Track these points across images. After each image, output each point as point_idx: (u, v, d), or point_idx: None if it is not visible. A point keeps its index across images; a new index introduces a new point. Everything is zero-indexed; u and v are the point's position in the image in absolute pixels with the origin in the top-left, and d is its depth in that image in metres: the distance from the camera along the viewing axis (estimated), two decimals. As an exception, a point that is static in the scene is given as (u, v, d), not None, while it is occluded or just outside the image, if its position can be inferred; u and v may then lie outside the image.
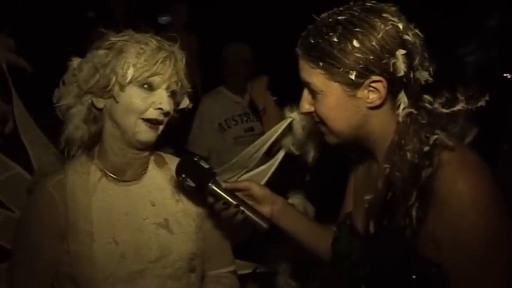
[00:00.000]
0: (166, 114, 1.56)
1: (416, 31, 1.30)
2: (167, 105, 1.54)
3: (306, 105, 1.38)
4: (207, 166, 1.60)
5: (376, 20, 1.26)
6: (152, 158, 1.70)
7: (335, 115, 1.32)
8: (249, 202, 1.61)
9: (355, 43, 1.25)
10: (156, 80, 1.53)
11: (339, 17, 1.29)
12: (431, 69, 1.30)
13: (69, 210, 1.56)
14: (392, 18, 1.27)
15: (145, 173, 1.67)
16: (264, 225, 1.57)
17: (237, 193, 1.62)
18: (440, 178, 1.23)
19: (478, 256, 1.21)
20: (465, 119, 1.37)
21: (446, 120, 1.34)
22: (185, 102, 1.66)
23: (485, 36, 3.73)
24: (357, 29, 1.25)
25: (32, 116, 1.80)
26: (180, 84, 1.58)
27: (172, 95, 1.58)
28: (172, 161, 1.73)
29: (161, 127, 1.58)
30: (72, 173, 1.61)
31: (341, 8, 1.32)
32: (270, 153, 1.96)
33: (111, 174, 1.62)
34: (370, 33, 1.25)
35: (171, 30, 4.32)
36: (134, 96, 1.53)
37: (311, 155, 1.78)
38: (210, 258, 1.75)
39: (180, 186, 1.69)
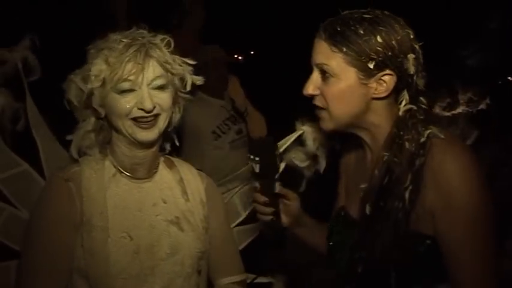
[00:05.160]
0: (150, 112, 1.50)
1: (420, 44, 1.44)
2: (148, 104, 1.48)
3: (311, 87, 1.45)
4: (279, 164, 1.58)
5: (396, 24, 1.40)
6: (162, 159, 1.69)
7: (342, 98, 1.41)
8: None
9: (379, 38, 1.37)
10: (129, 82, 1.49)
11: (364, 15, 1.41)
12: (425, 80, 1.45)
13: (84, 204, 1.53)
14: (407, 27, 1.42)
15: (156, 171, 1.65)
16: (276, 241, 1.60)
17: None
18: (432, 157, 1.36)
19: (467, 216, 1.33)
20: (466, 121, 1.54)
21: (446, 122, 1.50)
22: (194, 80, 1.62)
23: (485, 39, 3.73)
24: (380, 28, 1.38)
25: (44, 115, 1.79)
26: (167, 73, 1.53)
27: (162, 87, 1.53)
28: (181, 164, 1.74)
29: (161, 120, 1.53)
30: (87, 168, 1.58)
31: (364, 10, 1.43)
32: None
33: (124, 172, 1.60)
34: (392, 34, 1.38)
35: (182, 31, 3.97)
36: (116, 102, 1.50)
37: (322, 165, 1.78)
38: (218, 265, 1.72)
39: (188, 187, 1.68)
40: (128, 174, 1.61)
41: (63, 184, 1.55)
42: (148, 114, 1.51)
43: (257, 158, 1.52)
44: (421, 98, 1.45)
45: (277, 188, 1.58)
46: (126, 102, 1.50)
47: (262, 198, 1.56)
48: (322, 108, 1.46)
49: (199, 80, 1.63)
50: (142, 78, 1.50)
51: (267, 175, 1.54)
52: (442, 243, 1.37)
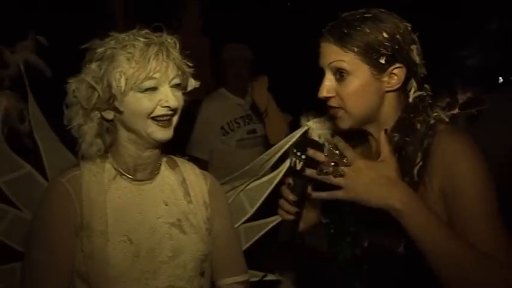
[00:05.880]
0: (174, 109, 1.51)
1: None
2: (174, 101, 1.50)
3: (326, 90, 1.48)
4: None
5: (395, 20, 1.47)
6: (164, 159, 1.67)
7: (359, 95, 1.46)
8: None
9: (385, 34, 1.44)
10: (154, 80, 1.48)
11: (365, 15, 1.46)
12: (425, 67, 1.52)
13: (83, 208, 1.51)
14: (404, 21, 1.49)
15: (157, 173, 1.63)
16: (288, 240, 1.56)
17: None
18: (439, 141, 1.44)
19: (474, 189, 1.38)
20: (466, 121, 1.60)
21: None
22: (191, 84, 1.61)
23: (485, 39, 3.72)
24: (384, 24, 1.45)
25: (47, 117, 1.77)
26: (180, 72, 1.54)
27: (178, 86, 1.54)
28: (184, 164, 1.71)
29: (175, 119, 1.54)
30: (87, 172, 1.56)
31: (361, 10, 1.49)
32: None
33: (125, 174, 1.58)
34: (395, 28, 1.45)
35: (182, 31, 4.09)
36: (138, 102, 1.48)
37: None
38: (221, 266, 1.70)
39: (191, 189, 1.66)
40: (129, 176, 1.59)
41: (63, 188, 1.53)
42: (171, 112, 1.51)
43: (303, 156, 1.49)
44: (426, 85, 1.53)
45: (309, 191, 1.55)
46: (150, 101, 1.49)
47: (292, 196, 1.53)
48: (338, 108, 1.50)
49: (195, 83, 1.63)
50: (166, 77, 1.50)
51: (305, 175, 1.49)
52: (454, 223, 1.38)
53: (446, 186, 1.40)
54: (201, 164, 3.62)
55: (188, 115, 1.62)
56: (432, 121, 1.48)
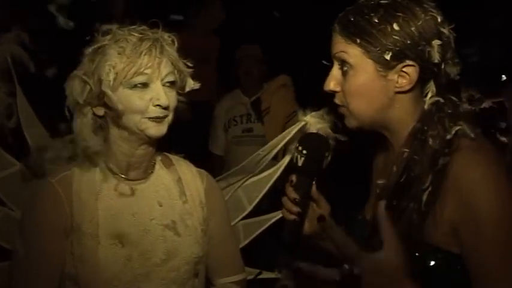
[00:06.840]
0: (166, 108, 1.46)
1: (450, 28, 1.32)
2: (165, 100, 1.44)
3: (332, 83, 1.34)
4: (324, 166, 1.45)
5: (417, 8, 1.27)
6: (159, 158, 1.61)
7: (362, 93, 1.31)
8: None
9: (395, 26, 1.26)
10: (145, 76, 1.43)
11: (381, 2, 1.29)
12: (459, 67, 1.32)
13: (74, 209, 1.47)
14: (432, 10, 1.29)
15: (152, 172, 1.58)
16: (291, 241, 1.44)
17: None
18: (455, 161, 1.23)
19: (495, 231, 1.19)
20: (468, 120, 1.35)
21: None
22: (190, 84, 1.56)
23: (489, 37, 3.70)
24: (398, 14, 1.26)
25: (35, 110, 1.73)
26: (176, 70, 1.49)
27: (172, 84, 1.48)
28: (180, 163, 1.66)
29: (170, 117, 1.49)
30: (78, 172, 1.51)
31: None
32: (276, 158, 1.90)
33: (118, 173, 1.53)
34: (411, 20, 1.26)
35: (193, 30, 4.27)
36: (128, 99, 1.44)
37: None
38: (217, 266, 1.66)
39: (187, 188, 1.61)
40: (122, 176, 1.54)
41: (51, 188, 1.49)
42: (165, 112, 1.46)
43: (304, 151, 1.39)
44: (452, 89, 1.32)
45: (313, 190, 1.45)
46: (140, 99, 1.44)
47: (293, 195, 1.42)
48: (342, 106, 1.36)
49: (193, 84, 1.58)
50: (158, 73, 1.44)
51: (308, 172, 1.41)
52: (469, 260, 1.22)
53: (460, 220, 1.21)
54: (216, 158, 4.00)
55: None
56: (449, 136, 1.26)
